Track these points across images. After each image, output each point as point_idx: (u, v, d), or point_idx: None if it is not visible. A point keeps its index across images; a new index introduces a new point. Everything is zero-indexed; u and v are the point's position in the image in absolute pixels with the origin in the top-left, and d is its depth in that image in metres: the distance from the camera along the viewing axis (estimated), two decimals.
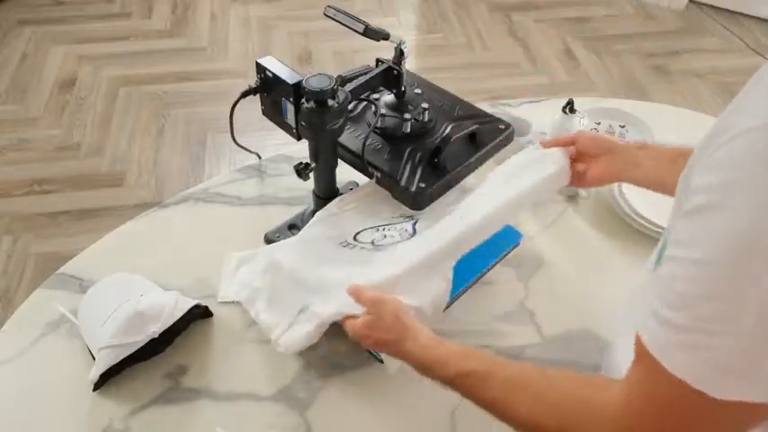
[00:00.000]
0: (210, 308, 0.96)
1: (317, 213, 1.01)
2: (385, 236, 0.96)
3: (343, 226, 0.99)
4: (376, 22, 0.95)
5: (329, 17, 0.97)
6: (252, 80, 0.98)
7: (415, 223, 0.98)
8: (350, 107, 0.98)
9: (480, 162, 1.06)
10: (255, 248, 1.04)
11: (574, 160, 0.93)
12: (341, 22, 0.96)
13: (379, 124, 1.03)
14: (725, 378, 0.43)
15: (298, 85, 0.91)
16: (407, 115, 1.00)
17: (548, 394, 0.61)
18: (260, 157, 1.23)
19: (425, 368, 0.72)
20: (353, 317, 0.78)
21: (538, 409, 0.60)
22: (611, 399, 0.53)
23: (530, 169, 0.94)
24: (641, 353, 0.49)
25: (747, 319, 0.41)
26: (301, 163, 0.95)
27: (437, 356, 0.71)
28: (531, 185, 0.92)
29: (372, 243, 0.95)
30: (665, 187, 0.84)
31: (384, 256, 0.92)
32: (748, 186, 0.41)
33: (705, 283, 0.43)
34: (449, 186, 1.01)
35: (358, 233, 0.98)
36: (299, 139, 0.98)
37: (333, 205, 1.02)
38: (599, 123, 1.31)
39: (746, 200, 0.40)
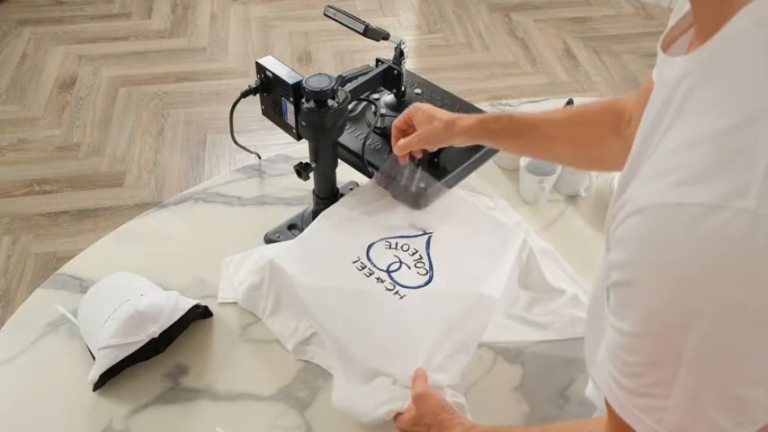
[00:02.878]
0: (210, 308, 0.96)
1: (325, 213, 0.99)
2: (399, 261, 0.94)
3: (356, 236, 0.97)
4: (376, 22, 0.96)
5: (329, 17, 0.97)
6: (252, 80, 0.98)
7: (428, 243, 0.98)
8: (350, 107, 0.98)
9: (480, 162, 1.06)
10: (252, 249, 1.05)
11: (403, 130, 0.94)
12: (341, 22, 0.96)
13: (379, 124, 1.03)
14: None
15: (298, 85, 0.91)
16: None
17: None
18: (260, 157, 1.23)
19: None
20: (400, 413, 0.82)
21: None
22: None
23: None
24: (608, 404, 0.51)
25: (686, 379, 0.43)
26: (301, 163, 0.95)
27: None
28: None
29: (388, 271, 0.93)
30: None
31: (400, 306, 0.89)
32: (647, 266, 0.43)
33: (641, 353, 0.45)
34: (449, 186, 1.01)
35: (371, 246, 0.96)
36: (299, 139, 0.98)
37: (343, 206, 1.00)
38: None
39: (649, 279, 0.43)
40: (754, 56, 0.40)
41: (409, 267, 0.93)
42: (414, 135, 0.91)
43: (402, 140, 0.92)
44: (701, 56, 0.44)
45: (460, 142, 0.91)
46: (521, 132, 0.87)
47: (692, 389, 0.43)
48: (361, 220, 1.00)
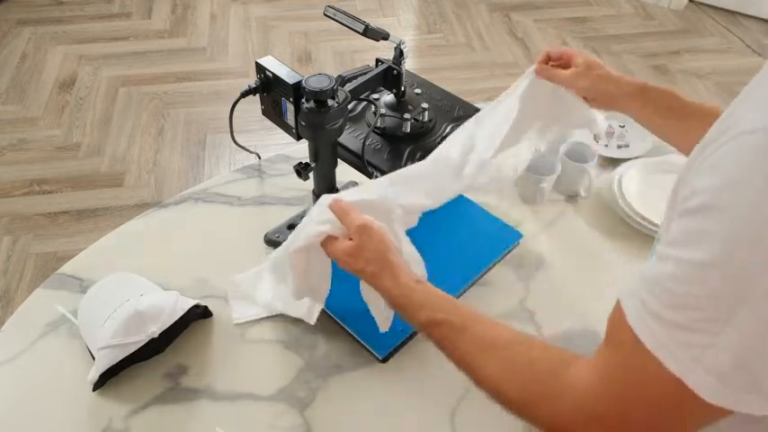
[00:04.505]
0: (210, 308, 0.96)
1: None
2: None
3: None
4: (376, 22, 0.96)
5: (329, 17, 0.97)
6: (252, 80, 0.98)
7: None
8: (350, 107, 0.98)
9: None
10: (257, 246, 1.04)
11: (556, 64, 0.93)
12: (341, 22, 0.96)
13: (379, 124, 1.03)
14: (724, 384, 0.43)
15: (298, 85, 0.91)
16: (407, 115, 1.00)
17: (516, 360, 0.59)
18: (260, 157, 1.23)
19: (400, 308, 0.71)
20: (335, 238, 0.75)
21: (503, 375, 0.59)
22: (580, 378, 0.52)
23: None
24: (624, 340, 0.48)
25: (749, 319, 0.41)
26: (301, 163, 0.95)
27: (414, 299, 0.69)
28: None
29: None
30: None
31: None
32: (742, 189, 0.40)
33: (704, 285, 0.42)
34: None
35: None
36: (298, 139, 0.98)
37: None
38: None
39: (747, 203, 0.40)
40: None
41: None
42: (572, 70, 0.90)
43: (554, 69, 0.91)
44: None
45: (621, 101, 0.89)
46: (685, 116, 0.85)
47: (750, 331, 0.41)
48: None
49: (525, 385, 0.57)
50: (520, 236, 1.06)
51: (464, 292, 1.01)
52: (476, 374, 0.62)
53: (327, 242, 0.76)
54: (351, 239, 0.73)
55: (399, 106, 1.03)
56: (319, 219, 0.78)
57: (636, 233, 1.09)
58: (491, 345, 0.62)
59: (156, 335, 0.86)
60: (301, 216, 1.08)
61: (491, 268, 1.04)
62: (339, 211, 0.76)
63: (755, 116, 0.42)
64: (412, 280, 0.71)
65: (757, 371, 0.42)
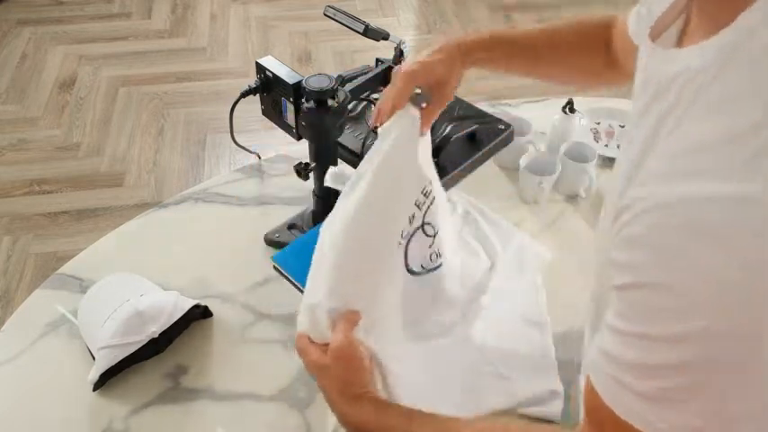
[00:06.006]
0: (210, 308, 0.96)
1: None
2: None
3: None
4: (376, 22, 0.96)
5: (329, 17, 0.97)
6: (252, 80, 0.98)
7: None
8: (350, 107, 0.98)
9: (480, 162, 1.06)
10: (257, 246, 1.04)
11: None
12: (341, 22, 0.96)
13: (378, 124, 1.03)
14: None
15: (298, 85, 0.91)
16: None
17: None
18: (260, 157, 1.23)
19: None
20: (311, 342, 0.67)
21: None
22: None
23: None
24: (603, 419, 0.47)
25: (719, 386, 0.40)
26: (301, 163, 0.95)
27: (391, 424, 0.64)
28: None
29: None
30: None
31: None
32: (665, 263, 0.41)
33: (668, 357, 0.42)
34: (448, 186, 1.01)
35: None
36: (298, 139, 0.98)
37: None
38: (599, 123, 1.31)
39: (669, 276, 0.40)
40: None
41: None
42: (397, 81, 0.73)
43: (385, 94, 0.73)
44: (713, 48, 0.42)
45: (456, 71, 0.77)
46: (520, 51, 0.83)
47: (721, 395, 0.40)
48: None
49: None
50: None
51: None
52: None
53: (302, 339, 0.68)
54: (327, 360, 0.64)
55: None
56: (306, 302, 0.68)
57: None
58: None
59: (156, 335, 0.86)
60: (301, 216, 1.08)
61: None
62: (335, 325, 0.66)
63: (656, 189, 0.42)
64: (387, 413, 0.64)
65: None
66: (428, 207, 0.80)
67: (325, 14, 0.97)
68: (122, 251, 1.07)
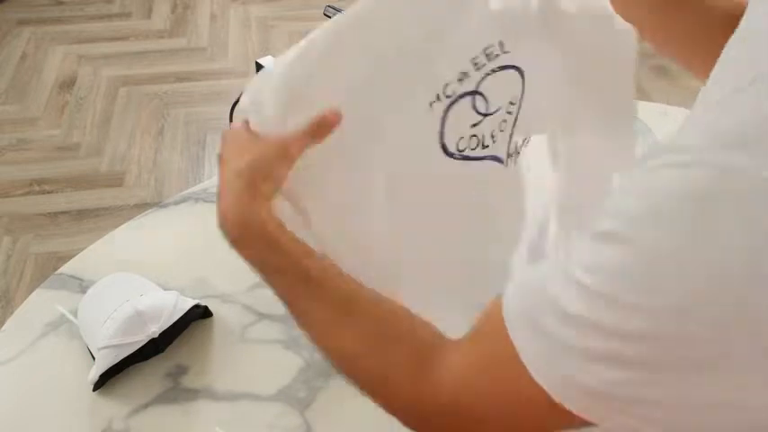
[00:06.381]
0: (210, 308, 0.96)
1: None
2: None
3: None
4: None
5: (329, 17, 0.97)
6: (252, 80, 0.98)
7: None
8: None
9: None
10: None
11: None
12: None
13: None
14: (608, 404, 0.38)
15: None
16: None
17: (384, 333, 0.52)
18: None
19: (261, 242, 0.58)
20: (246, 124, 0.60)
21: (363, 348, 0.52)
22: (451, 363, 0.46)
23: None
24: (496, 329, 0.42)
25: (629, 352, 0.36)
26: None
27: (281, 241, 0.57)
28: None
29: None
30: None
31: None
32: (652, 223, 0.35)
33: (594, 313, 0.37)
34: None
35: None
36: None
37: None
38: None
39: (651, 238, 0.35)
40: None
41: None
42: None
43: None
44: None
45: None
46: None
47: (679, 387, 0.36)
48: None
49: (389, 361, 0.51)
50: None
51: None
52: (327, 341, 0.55)
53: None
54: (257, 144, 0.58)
55: None
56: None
57: None
58: (354, 306, 0.53)
59: (156, 335, 0.86)
60: None
61: None
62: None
63: (682, 145, 0.37)
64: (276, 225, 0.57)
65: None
66: (488, 74, 0.60)
67: (324, 14, 0.97)
68: (122, 251, 1.07)
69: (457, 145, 0.62)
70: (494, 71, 0.60)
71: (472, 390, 0.45)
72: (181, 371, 0.90)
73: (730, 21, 0.42)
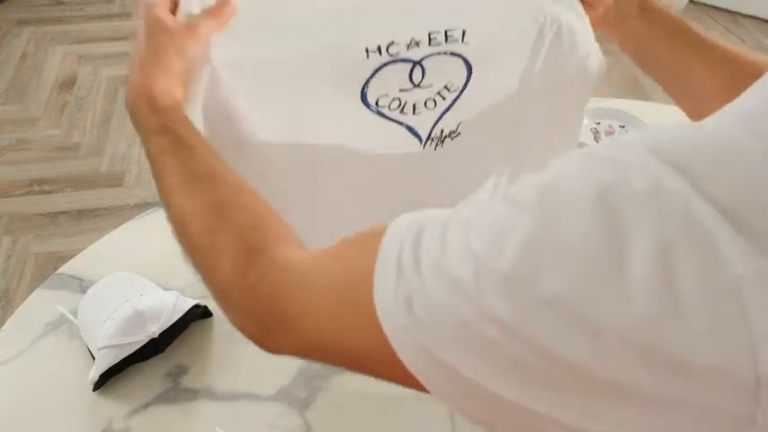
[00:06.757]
0: (210, 308, 0.96)
1: None
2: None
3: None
4: None
5: None
6: None
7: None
8: None
9: None
10: None
11: None
12: None
13: None
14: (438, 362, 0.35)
15: None
16: None
17: (233, 203, 0.52)
18: None
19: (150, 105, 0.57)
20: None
21: (201, 212, 0.52)
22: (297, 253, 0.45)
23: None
24: (368, 243, 0.39)
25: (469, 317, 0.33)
26: None
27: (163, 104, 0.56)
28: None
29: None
30: (646, 63, 0.70)
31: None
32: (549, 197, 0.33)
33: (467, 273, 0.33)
34: None
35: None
36: None
37: None
38: (599, 123, 1.31)
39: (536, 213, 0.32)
40: None
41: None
42: None
43: None
44: None
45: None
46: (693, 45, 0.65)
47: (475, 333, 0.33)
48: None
49: (216, 240, 0.51)
50: None
51: None
52: (173, 198, 0.55)
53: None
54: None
55: None
56: None
57: None
58: (213, 179, 0.53)
59: (155, 335, 0.86)
60: None
61: None
62: None
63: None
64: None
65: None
66: (437, 54, 0.61)
67: None
68: (122, 251, 1.07)
69: (377, 100, 0.63)
70: (444, 53, 0.61)
71: (305, 289, 0.44)
72: (181, 371, 0.90)
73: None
